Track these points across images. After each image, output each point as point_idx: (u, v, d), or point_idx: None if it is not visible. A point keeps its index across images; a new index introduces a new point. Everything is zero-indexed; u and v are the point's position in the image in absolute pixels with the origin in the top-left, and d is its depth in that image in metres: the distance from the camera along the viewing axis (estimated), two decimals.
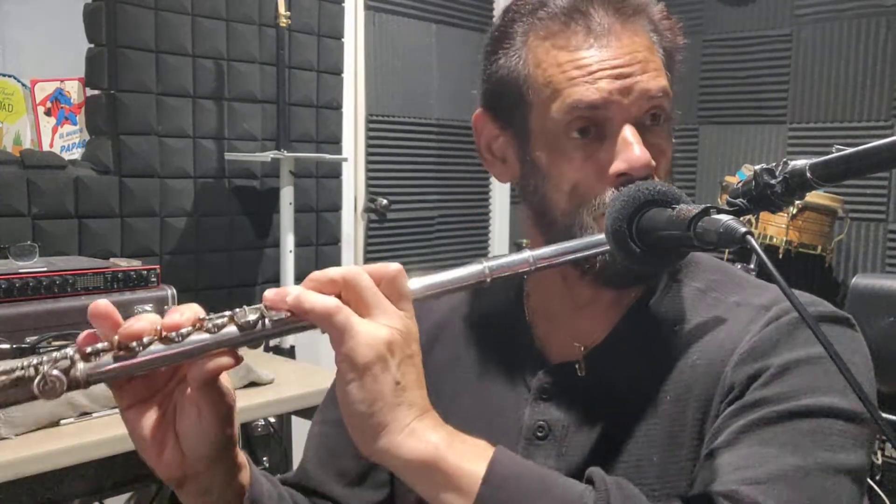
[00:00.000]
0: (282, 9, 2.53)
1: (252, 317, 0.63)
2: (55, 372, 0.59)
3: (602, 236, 0.72)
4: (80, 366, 0.60)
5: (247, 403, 1.78)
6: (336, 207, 3.06)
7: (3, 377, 0.58)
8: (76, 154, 2.49)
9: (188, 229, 2.59)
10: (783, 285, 0.54)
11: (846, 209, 3.04)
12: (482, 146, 0.89)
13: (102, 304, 0.64)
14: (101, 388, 0.65)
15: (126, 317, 0.65)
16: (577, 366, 0.84)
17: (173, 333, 0.62)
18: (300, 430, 2.44)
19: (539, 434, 0.83)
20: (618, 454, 0.79)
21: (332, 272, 0.63)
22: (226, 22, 2.65)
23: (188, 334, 0.62)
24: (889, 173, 3.17)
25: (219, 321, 0.63)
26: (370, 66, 3.22)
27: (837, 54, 3.28)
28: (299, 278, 2.85)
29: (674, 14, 0.84)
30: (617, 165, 0.77)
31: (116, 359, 0.61)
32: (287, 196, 2.58)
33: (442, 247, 3.57)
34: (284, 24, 2.56)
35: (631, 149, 0.77)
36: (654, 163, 0.78)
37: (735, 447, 0.70)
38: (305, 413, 2.08)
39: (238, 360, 0.64)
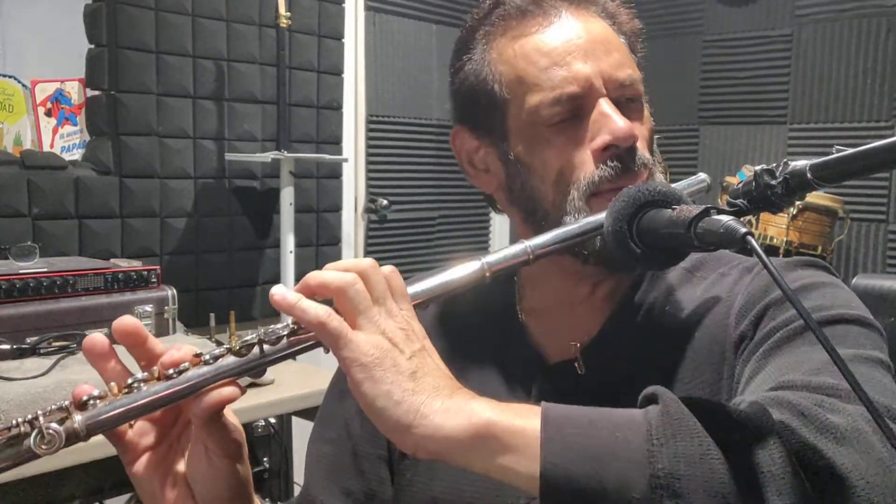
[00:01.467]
0: (282, 9, 2.53)
1: (251, 343, 0.61)
2: (53, 426, 0.57)
3: (596, 218, 0.71)
4: (78, 416, 0.58)
5: (247, 404, 1.78)
6: (336, 208, 3.06)
7: None
8: (76, 155, 2.49)
9: (188, 230, 2.60)
10: (784, 285, 0.54)
11: (846, 210, 3.03)
12: (464, 161, 0.88)
13: (99, 338, 0.65)
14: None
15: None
16: (575, 363, 0.83)
17: (171, 370, 0.60)
18: (300, 430, 2.44)
19: None
20: None
21: (326, 278, 0.62)
22: (226, 22, 2.65)
23: (186, 370, 0.61)
24: (889, 174, 3.17)
25: (216, 353, 0.61)
26: (370, 67, 3.21)
27: (838, 54, 3.27)
28: (299, 279, 2.85)
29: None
30: (602, 138, 0.77)
31: (115, 404, 0.59)
32: (287, 196, 2.58)
33: (442, 247, 3.56)
34: (285, 25, 2.56)
35: (611, 120, 0.76)
36: (636, 133, 0.78)
37: (766, 368, 0.69)
38: (305, 413, 2.08)
39: (241, 390, 0.63)
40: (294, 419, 2.44)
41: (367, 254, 3.27)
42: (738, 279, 0.80)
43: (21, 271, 1.91)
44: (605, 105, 0.77)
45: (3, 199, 2.20)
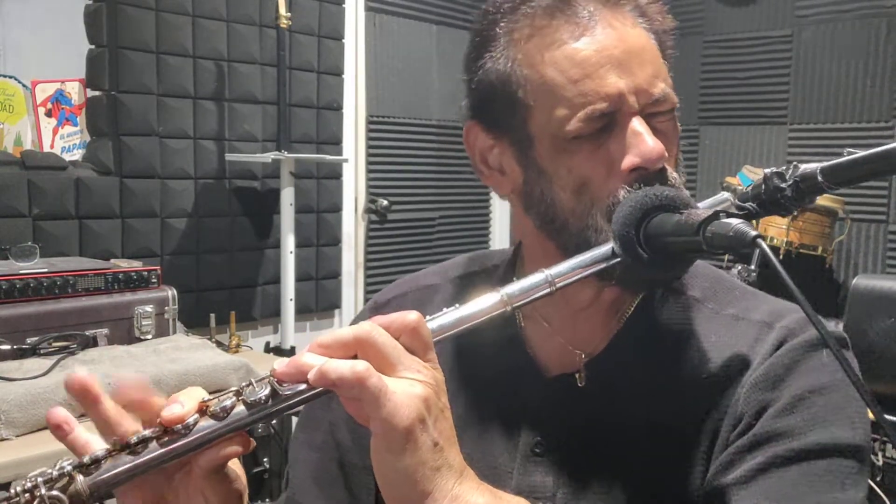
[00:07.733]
0: (282, 10, 2.53)
1: (262, 393, 0.58)
2: (54, 493, 0.54)
3: None
4: (80, 479, 0.55)
5: None
6: (336, 208, 3.06)
7: None
8: (77, 155, 2.49)
9: (189, 230, 2.59)
10: (805, 306, 0.53)
11: (847, 210, 3.03)
12: (476, 159, 0.84)
13: (61, 413, 0.59)
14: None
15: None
16: (576, 375, 0.81)
17: (178, 426, 0.57)
18: None
19: (537, 451, 0.80)
20: (620, 472, 0.76)
21: (341, 334, 0.59)
22: (226, 23, 2.65)
23: (194, 423, 0.58)
24: None
25: (226, 403, 0.58)
26: (371, 67, 3.21)
27: (838, 55, 3.27)
28: (299, 279, 2.87)
29: (674, 15, 0.81)
30: (630, 160, 0.72)
31: (118, 463, 0.56)
32: (287, 197, 2.58)
33: (442, 247, 3.56)
34: (285, 25, 2.56)
35: (643, 140, 0.72)
36: (667, 153, 0.74)
37: (751, 487, 0.69)
38: None
39: (249, 445, 0.60)
40: (294, 419, 2.44)
41: (367, 254, 3.26)
42: (757, 336, 0.77)
43: (21, 271, 1.91)
44: (636, 123, 0.73)
45: (4, 199, 2.20)
